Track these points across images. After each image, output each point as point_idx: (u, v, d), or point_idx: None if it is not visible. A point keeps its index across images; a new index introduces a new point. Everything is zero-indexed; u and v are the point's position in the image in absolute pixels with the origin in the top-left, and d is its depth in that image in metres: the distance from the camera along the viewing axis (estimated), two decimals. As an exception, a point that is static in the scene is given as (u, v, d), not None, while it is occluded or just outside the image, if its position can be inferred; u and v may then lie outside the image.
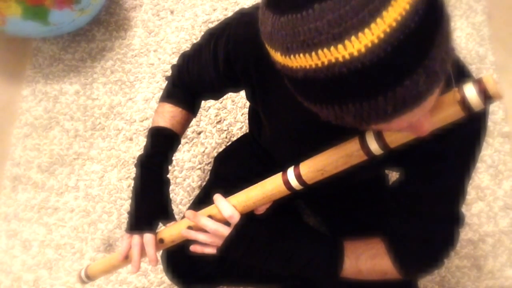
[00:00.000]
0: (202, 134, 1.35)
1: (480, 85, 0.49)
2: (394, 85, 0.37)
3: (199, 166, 1.32)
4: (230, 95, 1.39)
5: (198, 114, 1.37)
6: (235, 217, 0.69)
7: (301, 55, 0.39)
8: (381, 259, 0.70)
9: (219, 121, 1.37)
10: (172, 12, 1.57)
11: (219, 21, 0.77)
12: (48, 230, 1.28)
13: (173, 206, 1.25)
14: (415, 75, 0.37)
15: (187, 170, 1.31)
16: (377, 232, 0.72)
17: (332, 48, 0.37)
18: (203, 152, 1.33)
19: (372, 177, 0.90)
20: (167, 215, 0.80)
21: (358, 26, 0.36)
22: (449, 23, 0.40)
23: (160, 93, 0.88)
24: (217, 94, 0.87)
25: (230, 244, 0.70)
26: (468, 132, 0.58)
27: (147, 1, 1.59)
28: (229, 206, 0.69)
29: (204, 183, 1.13)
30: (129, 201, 1.28)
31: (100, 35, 1.55)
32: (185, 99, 0.85)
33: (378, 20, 0.36)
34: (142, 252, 0.77)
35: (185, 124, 0.88)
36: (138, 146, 1.36)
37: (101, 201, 1.30)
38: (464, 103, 0.49)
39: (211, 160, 1.31)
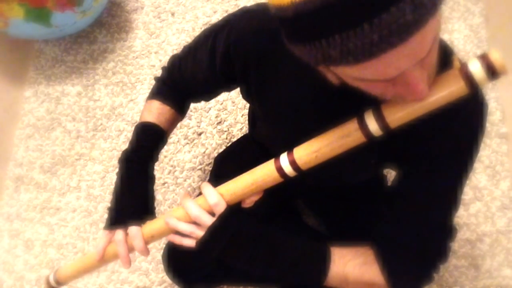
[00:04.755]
0: (202, 135, 1.37)
1: (485, 59, 0.47)
2: (379, 10, 0.37)
3: (199, 166, 1.33)
4: (230, 97, 1.40)
5: (198, 115, 1.39)
6: (221, 206, 0.65)
7: None
8: (369, 267, 0.66)
9: (220, 122, 1.38)
10: (173, 14, 1.58)
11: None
12: (50, 230, 1.29)
13: (174, 206, 1.26)
14: (402, 3, 0.37)
15: (187, 170, 1.32)
16: (373, 235, 0.70)
17: None
18: (204, 152, 1.35)
19: (370, 178, 0.91)
20: (148, 212, 0.76)
21: None
22: None
23: (140, 114, 0.86)
24: (208, 94, 0.85)
25: (212, 235, 0.65)
26: (466, 129, 0.58)
27: (148, 3, 1.61)
28: (215, 194, 0.66)
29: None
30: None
31: (101, 37, 1.56)
32: (174, 98, 0.83)
33: None
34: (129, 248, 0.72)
35: (173, 123, 0.85)
36: (139, 147, 1.38)
37: (103, 201, 1.31)
38: (468, 78, 0.48)
39: (212, 160, 1.32)
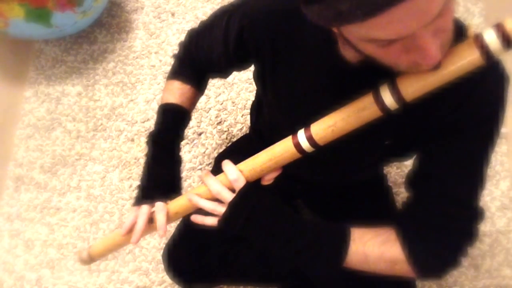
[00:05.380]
0: (202, 135, 1.37)
1: (500, 28, 0.47)
2: None
3: (199, 166, 1.33)
4: (230, 97, 1.40)
5: (198, 115, 1.40)
6: (240, 181, 0.67)
7: None
8: (390, 246, 0.63)
9: (220, 122, 1.38)
10: (173, 15, 1.58)
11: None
12: (50, 230, 1.30)
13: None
14: None
15: (187, 170, 1.33)
16: (394, 215, 0.67)
17: None
18: (204, 153, 1.35)
19: (371, 177, 0.91)
20: (175, 190, 0.80)
21: None
22: None
23: (162, 95, 0.88)
24: (223, 73, 0.86)
25: (233, 210, 0.67)
26: (487, 101, 0.57)
27: (149, 3, 1.61)
28: (235, 170, 0.68)
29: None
30: (131, 201, 1.30)
31: (102, 37, 1.56)
32: (193, 76, 0.85)
33: None
34: (147, 227, 0.75)
35: (194, 100, 0.88)
36: (140, 147, 1.38)
37: (103, 201, 1.32)
38: (483, 48, 0.48)
39: (212, 160, 1.32)
